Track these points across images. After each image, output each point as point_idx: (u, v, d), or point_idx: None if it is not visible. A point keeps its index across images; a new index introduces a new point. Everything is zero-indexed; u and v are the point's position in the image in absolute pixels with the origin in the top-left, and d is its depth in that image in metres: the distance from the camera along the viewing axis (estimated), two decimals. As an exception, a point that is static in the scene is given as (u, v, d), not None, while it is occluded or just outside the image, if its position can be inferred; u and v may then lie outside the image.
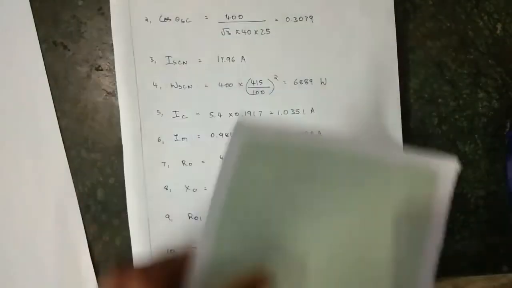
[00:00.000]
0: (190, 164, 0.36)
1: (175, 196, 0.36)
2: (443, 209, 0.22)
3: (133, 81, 0.35)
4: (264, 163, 0.20)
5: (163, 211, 0.36)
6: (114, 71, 0.36)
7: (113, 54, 0.36)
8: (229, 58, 0.36)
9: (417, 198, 0.22)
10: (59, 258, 0.36)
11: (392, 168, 0.20)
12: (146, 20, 0.35)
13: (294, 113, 0.36)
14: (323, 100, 0.36)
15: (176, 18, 0.35)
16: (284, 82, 0.36)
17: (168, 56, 0.36)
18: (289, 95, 0.36)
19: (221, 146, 0.36)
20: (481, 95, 0.39)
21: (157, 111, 0.36)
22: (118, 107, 0.36)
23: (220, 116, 0.36)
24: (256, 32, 0.36)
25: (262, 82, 0.36)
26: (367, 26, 0.36)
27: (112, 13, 0.35)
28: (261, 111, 0.36)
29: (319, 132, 0.35)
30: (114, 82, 0.37)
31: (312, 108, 0.36)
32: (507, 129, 0.39)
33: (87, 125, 0.37)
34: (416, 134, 0.38)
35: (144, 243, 0.36)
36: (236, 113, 0.36)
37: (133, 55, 0.35)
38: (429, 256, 0.22)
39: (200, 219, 0.36)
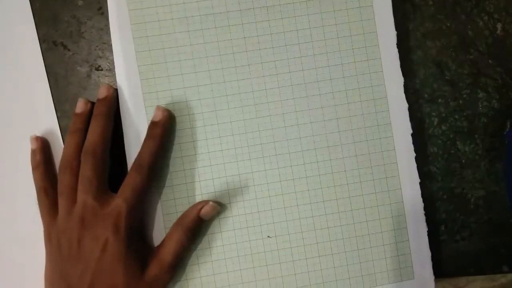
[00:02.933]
0: None
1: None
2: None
3: None
4: None
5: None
6: (114, 71, 0.36)
7: (113, 54, 0.36)
8: None
9: None
10: (59, 258, 0.36)
11: None
12: None
13: None
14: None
15: None
16: None
17: None
18: None
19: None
20: (481, 95, 0.39)
21: None
22: (117, 107, 0.36)
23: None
24: None
25: None
26: None
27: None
28: None
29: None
30: (114, 82, 0.37)
31: None
32: (507, 129, 0.38)
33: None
34: (416, 134, 0.38)
35: None
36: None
37: None
38: None
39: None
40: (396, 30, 0.37)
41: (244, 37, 0.36)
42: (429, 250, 0.36)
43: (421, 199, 0.36)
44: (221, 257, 0.36)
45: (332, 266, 0.36)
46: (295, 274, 0.36)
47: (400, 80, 0.37)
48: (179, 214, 0.35)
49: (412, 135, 0.37)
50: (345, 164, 0.37)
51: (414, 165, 0.37)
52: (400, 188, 0.37)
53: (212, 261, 0.36)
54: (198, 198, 0.36)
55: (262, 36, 0.36)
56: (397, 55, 0.37)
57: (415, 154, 0.37)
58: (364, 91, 0.37)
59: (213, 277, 0.36)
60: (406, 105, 0.37)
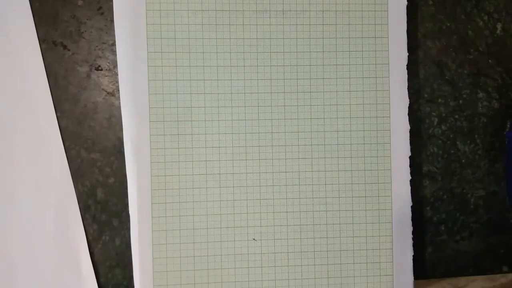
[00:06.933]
0: None
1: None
2: None
3: None
4: None
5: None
6: (114, 71, 0.36)
7: (113, 54, 0.36)
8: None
9: None
10: (59, 258, 0.36)
11: None
12: None
13: None
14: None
15: None
16: None
17: None
18: None
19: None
20: (481, 95, 0.39)
21: None
22: (118, 107, 0.36)
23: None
24: None
25: None
26: None
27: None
28: None
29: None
30: (114, 82, 0.37)
31: None
32: (507, 129, 0.39)
33: (87, 125, 0.37)
34: (416, 134, 0.38)
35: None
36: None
37: None
38: None
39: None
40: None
41: (257, 38, 0.36)
42: (412, 272, 0.36)
43: (410, 223, 0.36)
44: (203, 254, 0.36)
45: (313, 277, 0.36)
46: (275, 280, 0.36)
47: (406, 101, 0.36)
48: (168, 205, 0.35)
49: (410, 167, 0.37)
50: (339, 177, 0.37)
51: (408, 188, 0.36)
52: (391, 209, 0.37)
53: (194, 256, 0.36)
54: (189, 191, 0.36)
55: (275, 39, 0.36)
56: (406, 76, 0.36)
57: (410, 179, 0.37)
58: (367, 107, 0.37)
59: (193, 272, 0.36)
60: (408, 127, 0.36)
